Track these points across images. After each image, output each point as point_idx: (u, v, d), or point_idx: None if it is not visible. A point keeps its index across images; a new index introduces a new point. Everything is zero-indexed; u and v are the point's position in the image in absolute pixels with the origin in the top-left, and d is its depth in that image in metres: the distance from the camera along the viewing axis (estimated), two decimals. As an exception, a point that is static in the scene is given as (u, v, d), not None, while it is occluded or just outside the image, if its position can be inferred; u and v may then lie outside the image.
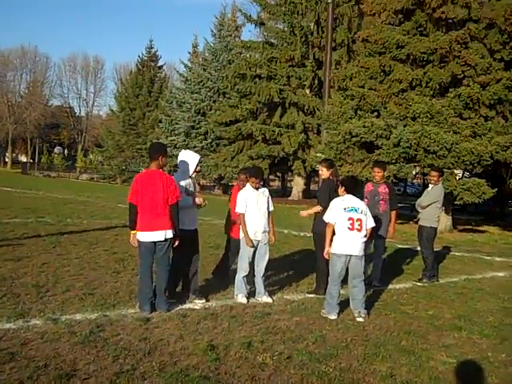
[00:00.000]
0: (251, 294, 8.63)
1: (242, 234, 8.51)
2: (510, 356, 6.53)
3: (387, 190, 10.39)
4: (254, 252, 8.51)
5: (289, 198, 41.88)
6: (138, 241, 7.46)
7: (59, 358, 5.47)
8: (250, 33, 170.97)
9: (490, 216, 30.98)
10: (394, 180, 22.14)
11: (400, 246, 15.68)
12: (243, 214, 8.43)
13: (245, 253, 8.47)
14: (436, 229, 11.07)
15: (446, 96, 22.18)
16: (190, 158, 8.32)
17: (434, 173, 11.28)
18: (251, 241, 8.40)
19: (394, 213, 10.38)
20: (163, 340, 6.29)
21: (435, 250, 11.53)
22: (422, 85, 23.04)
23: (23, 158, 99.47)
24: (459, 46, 21.74)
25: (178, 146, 47.60)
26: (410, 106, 22.37)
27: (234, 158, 42.92)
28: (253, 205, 8.45)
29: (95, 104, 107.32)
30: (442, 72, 22.44)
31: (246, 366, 5.63)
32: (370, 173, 23.21)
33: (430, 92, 22.87)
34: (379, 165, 11.06)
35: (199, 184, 51.90)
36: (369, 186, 10.62)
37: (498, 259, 15.09)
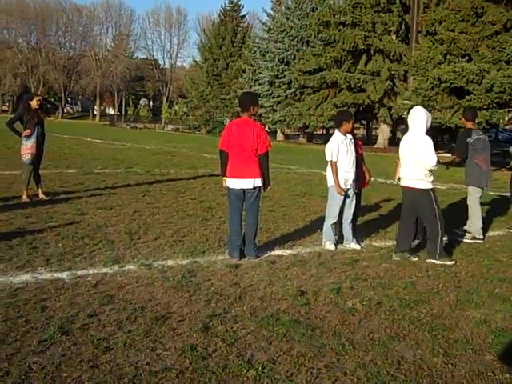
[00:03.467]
0: (339, 240, 8.61)
1: (331, 182, 8.42)
2: None
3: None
4: (344, 200, 8.44)
5: (374, 146, 41.28)
6: (228, 188, 7.54)
7: (154, 301, 5.64)
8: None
9: None
10: (486, 126, 21.45)
11: (492, 194, 15.25)
12: (335, 162, 8.33)
13: (335, 201, 8.40)
14: None
15: (544, 37, 21.16)
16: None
17: None
18: (342, 189, 8.34)
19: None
20: (253, 285, 6.38)
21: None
22: (517, 26, 22.05)
23: (111, 111, 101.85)
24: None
25: (261, 95, 47.60)
26: (504, 49, 21.49)
27: (318, 106, 42.49)
28: (344, 152, 8.35)
29: (179, 55, 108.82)
30: (539, 12, 21.38)
31: (336, 311, 5.65)
32: (460, 119, 22.70)
33: (526, 34, 21.87)
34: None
35: (283, 133, 51.93)
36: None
37: None
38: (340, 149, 8.28)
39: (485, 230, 9.95)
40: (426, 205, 7.87)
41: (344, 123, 8.40)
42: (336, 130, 8.52)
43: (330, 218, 8.45)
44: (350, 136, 8.45)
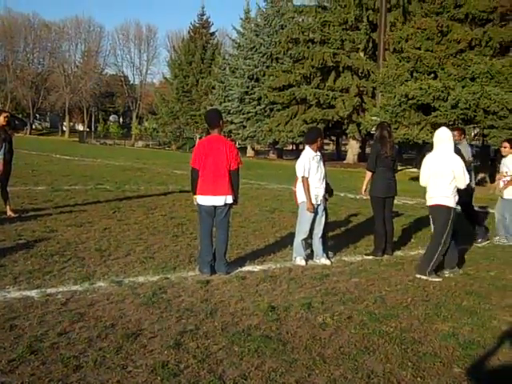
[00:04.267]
0: (309, 256, 8.66)
1: (302, 198, 8.47)
2: None
3: None
4: (314, 216, 8.51)
5: (344, 162, 41.61)
6: (199, 204, 7.56)
7: (125, 318, 5.62)
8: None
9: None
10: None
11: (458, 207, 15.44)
12: (307, 178, 8.39)
13: (306, 217, 8.44)
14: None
15: (507, 55, 21.65)
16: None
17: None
18: (313, 205, 8.40)
19: None
20: (224, 301, 6.39)
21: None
22: (481, 44, 22.52)
23: (80, 127, 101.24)
24: (520, 2, 21.13)
25: (231, 111, 47.76)
26: (469, 66, 21.91)
27: (288, 122, 42.82)
28: (315, 169, 8.42)
29: (148, 72, 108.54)
30: (502, 31, 21.91)
31: (307, 326, 5.68)
32: (427, 135, 23.01)
33: (489, 52, 22.34)
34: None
35: (253, 149, 52.11)
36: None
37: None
38: (311, 165, 8.37)
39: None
40: (443, 222, 8.00)
41: (318, 140, 8.50)
42: (307, 147, 8.60)
43: (301, 234, 8.50)
44: (319, 153, 8.55)
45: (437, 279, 7.82)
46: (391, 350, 5.15)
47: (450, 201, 8.01)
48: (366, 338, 5.43)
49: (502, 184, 11.01)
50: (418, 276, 7.91)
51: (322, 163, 8.56)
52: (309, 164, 8.37)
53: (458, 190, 8.11)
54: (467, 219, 11.03)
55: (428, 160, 8.28)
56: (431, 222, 8.55)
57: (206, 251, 7.56)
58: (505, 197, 10.93)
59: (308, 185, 8.35)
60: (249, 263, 8.22)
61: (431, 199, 8.17)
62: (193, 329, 5.43)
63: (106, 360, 4.61)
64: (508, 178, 10.86)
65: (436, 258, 7.97)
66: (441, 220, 8.05)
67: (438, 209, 8.07)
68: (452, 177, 7.95)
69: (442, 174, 8.00)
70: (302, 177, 8.39)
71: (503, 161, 11.23)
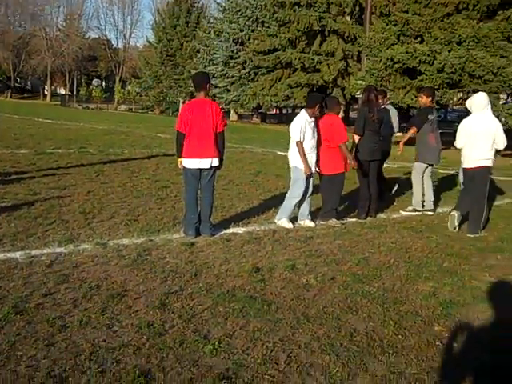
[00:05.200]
0: (293, 218, 8.70)
1: (296, 163, 8.44)
2: (554, 277, 6.53)
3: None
4: (307, 179, 8.52)
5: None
6: (184, 167, 7.54)
7: (110, 280, 5.65)
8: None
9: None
10: (436, 106, 21.80)
11: (442, 171, 15.57)
12: (301, 143, 8.34)
13: (300, 181, 8.41)
14: None
15: (494, 19, 21.55)
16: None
17: None
18: (310, 168, 8.39)
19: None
20: (208, 263, 6.43)
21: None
22: (468, 8, 22.38)
23: (62, 91, 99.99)
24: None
25: (216, 75, 47.38)
26: (456, 30, 21.83)
27: (272, 86, 42.57)
28: (310, 134, 8.39)
29: (132, 36, 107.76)
30: (490, -7, 21.72)
31: (291, 287, 5.75)
32: (412, 99, 23.01)
33: (477, 15, 22.22)
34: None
35: (237, 113, 51.91)
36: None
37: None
38: (307, 129, 8.35)
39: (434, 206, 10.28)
40: (486, 182, 8.61)
41: (317, 106, 8.44)
42: (303, 110, 8.51)
43: (295, 198, 8.47)
44: (313, 119, 8.51)
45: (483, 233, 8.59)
46: (374, 309, 5.23)
47: (491, 162, 8.60)
48: (349, 298, 5.50)
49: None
50: (472, 235, 8.46)
51: (315, 130, 8.53)
52: (305, 127, 8.33)
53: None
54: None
55: (467, 124, 8.67)
56: (462, 181, 9.30)
57: (192, 213, 7.57)
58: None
59: (303, 149, 8.31)
60: (233, 225, 8.25)
61: (475, 161, 8.56)
62: (178, 290, 5.47)
63: (91, 320, 4.64)
64: None
65: (484, 216, 8.71)
66: (484, 180, 8.58)
67: (482, 171, 8.56)
68: (493, 139, 8.46)
69: (485, 137, 8.45)
70: (298, 141, 8.33)
71: None
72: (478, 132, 8.46)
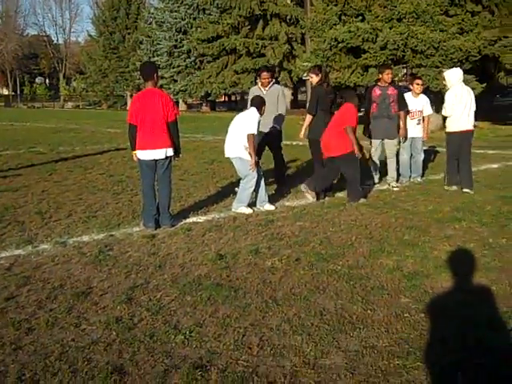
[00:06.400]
0: (252, 203, 8.69)
1: (244, 154, 8.42)
2: (511, 241, 6.68)
3: (395, 91, 10.32)
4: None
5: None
6: (139, 159, 7.45)
7: (73, 278, 5.57)
8: None
9: (479, 111, 30.95)
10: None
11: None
12: (253, 135, 8.33)
13: (253, 174, 8.39)
14: None
15: (432, -6, 21.78)
16: None
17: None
18: (257, 162, 8.42)
19: (402, 113, 10.34)
20: (171, 254, 6.39)
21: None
22: (406, -16, 22.54)
23: (5, 91, 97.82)
24: None
25: (161, 66, 46.89)
26: (395, 7, 22.04)
27: (219, 73, 42.42)
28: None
29: (73, 30, 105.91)
30: (427, -31, 21.94)
31: (257, 271, 5.75)
32: (358, 78, 23.18)
33: (415, -9, 22.42)
34: (388, 67, 10.93)
35: (185, 103, 51.57)
36: (376, 91, 10.33)
37: (490, 152, 15.25)
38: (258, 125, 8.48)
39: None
40: (470, 143, 9.95)
41: (263, 108, 8.60)
42: (254, 110, 8.52)
43: (250, 188, 8.46)
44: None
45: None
46: (340, 287, 5.27)
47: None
48: (316, 277, 5.53)
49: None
50: (472, 191, 9.62)
51: None
52: (257, 124, 8.41)
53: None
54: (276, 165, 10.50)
55: (452, 94, 9.70)
56: (448, 147, 10.03)
57: (150, 205, 7.50)
58: (414, 135, 10.86)
59: (254, 142, 8.31)
60: (193, 215, 8.22)
61: (465, 125, 9.75)
62: (143, 283, 5.42)
63: (58, 320, 4.57)
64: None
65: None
66: (470, 142, 9.93)
67: (470, 134, 9.89)
68: (474, 106, 9.89)
69: (470, 105, 9.77)
70: (252, 134, 8.29)
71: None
72: (466, 100, 9.70)
